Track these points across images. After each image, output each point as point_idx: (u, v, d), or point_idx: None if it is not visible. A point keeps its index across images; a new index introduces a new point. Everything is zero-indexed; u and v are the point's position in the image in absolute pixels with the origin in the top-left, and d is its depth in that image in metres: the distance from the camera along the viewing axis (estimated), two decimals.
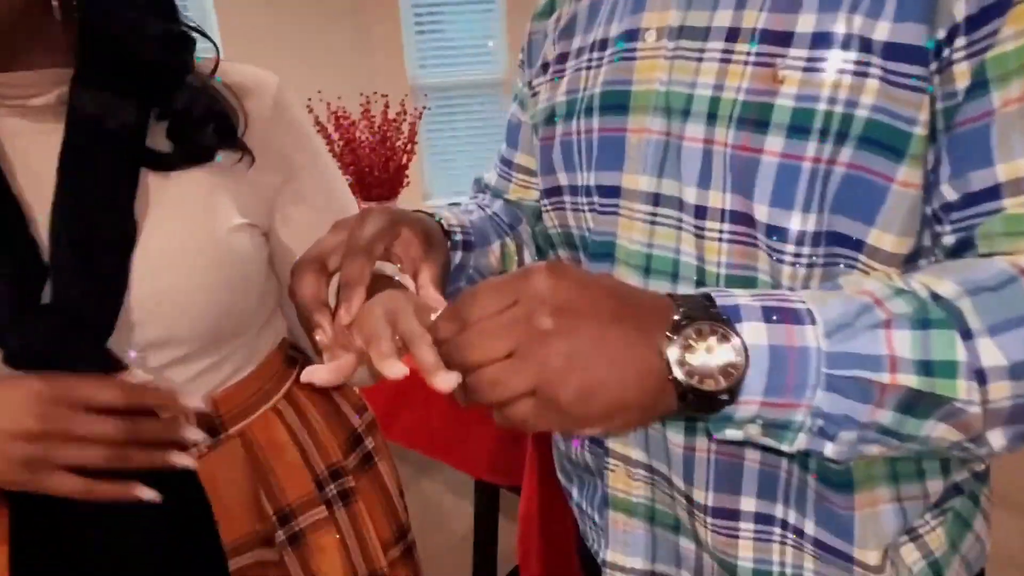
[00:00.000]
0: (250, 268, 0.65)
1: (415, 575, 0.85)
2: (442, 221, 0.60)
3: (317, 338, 0.46)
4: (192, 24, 0.64)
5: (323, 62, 2.91)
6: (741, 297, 0.41)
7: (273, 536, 0.70)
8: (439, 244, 0.53)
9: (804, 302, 0.41)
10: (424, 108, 1.91)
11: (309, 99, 1.52)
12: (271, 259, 0.70)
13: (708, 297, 0.41)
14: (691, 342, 0.39)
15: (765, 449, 0.54)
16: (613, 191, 0.57)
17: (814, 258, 0.49)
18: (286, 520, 0.71)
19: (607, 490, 0.64)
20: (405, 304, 0.44)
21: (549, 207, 0.65)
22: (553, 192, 0.63)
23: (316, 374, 0.44)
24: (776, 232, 0.49)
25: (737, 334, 0.39)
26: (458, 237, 0.62)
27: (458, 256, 0.61)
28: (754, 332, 0.39)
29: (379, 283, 0.49)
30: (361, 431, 0.80)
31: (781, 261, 0.49)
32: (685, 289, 0.54)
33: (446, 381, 0.40)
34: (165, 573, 0.60)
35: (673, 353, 0.39)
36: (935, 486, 0.54)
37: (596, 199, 0.58)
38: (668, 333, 0.39)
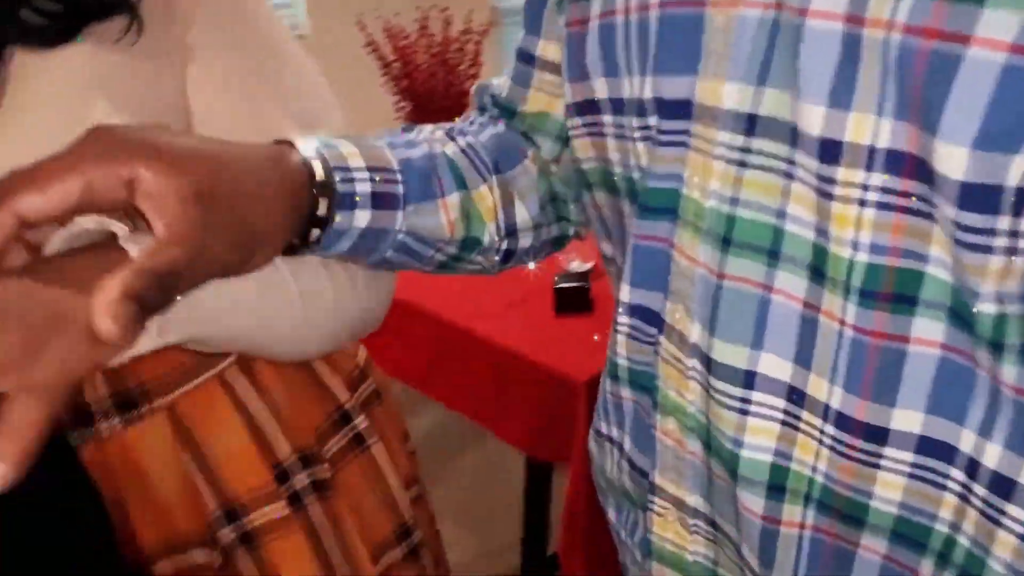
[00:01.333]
0: None
1: None
2: (329, 159, 0.39)
3: None
4: None
5: None
6: None
7: (214, 536, 0.55)
8: (231, 201, 0.32)
9: None
10: (491, 24, 1.69)
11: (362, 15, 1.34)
12: None
13: None
14: None
15: (899, 538, 0.34)
16: (680, 108, 0.36)
17: None
18: (234, 517, 0.56)
19: (651, 536, 0.44)
20: None
21: (582, 130, 0.44)
22: (587, 108, 0.43)
23: None
24: (977, 196, 0.27)
25: None
26: (363, 187, 0.41)
27: (364, 216, 0.41)
28: None
29: (84, 255, 0.31)
30: (351, 408, 0.64)
31: (987, 249, 0.28)
32: (792, 280, 0.34)
33: None
34: None
35: None
36: None
37: (653, 120, 0.38)
38: None
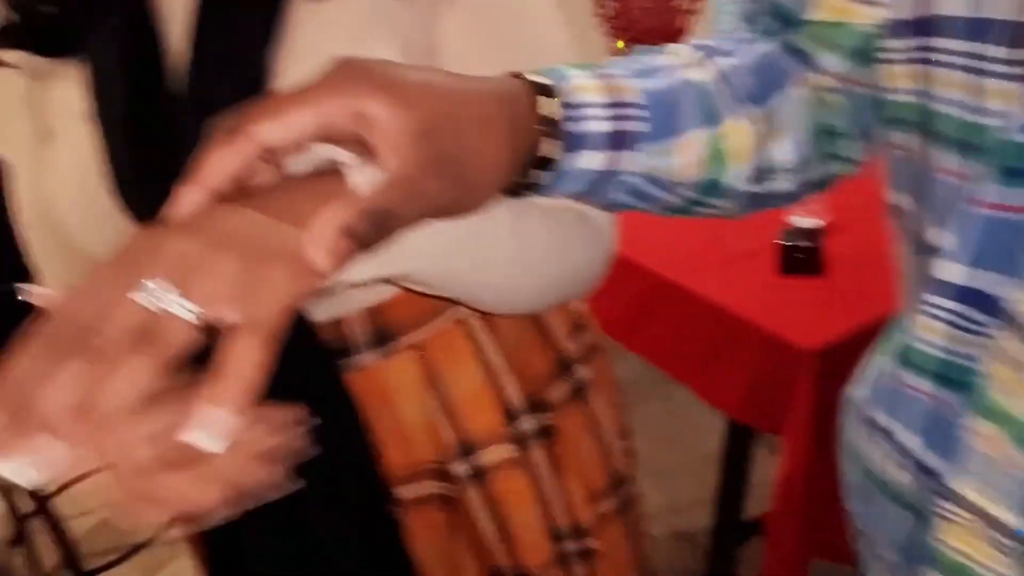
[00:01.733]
0: None
1: (632, 535, 0.69)
2: (560, 95, 0.35)
3: None
4: None
5: None
6: None
7: (447, 469, 0.58)
8: (456, 140, 0.30)
9: None
10: None
11: None
12: None
13: None
14: None
15: None
16: None
17: None
18: (468, 452, 0.58)
19: (934, 546, 0.38)
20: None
21: (904, 55, 0.36)
22: (922, 28, 0.35)
23: None
24: None
25: None
26: (597, 126, 0.36)
27: (596, 158, 0.37)
28: None
29: (305, 184, 0.30)
30: (573, 358, 0.64)
31: None
32: None
33: None
34: (311, 496, 0.52)
35: None
36: None
37: None
38: None
